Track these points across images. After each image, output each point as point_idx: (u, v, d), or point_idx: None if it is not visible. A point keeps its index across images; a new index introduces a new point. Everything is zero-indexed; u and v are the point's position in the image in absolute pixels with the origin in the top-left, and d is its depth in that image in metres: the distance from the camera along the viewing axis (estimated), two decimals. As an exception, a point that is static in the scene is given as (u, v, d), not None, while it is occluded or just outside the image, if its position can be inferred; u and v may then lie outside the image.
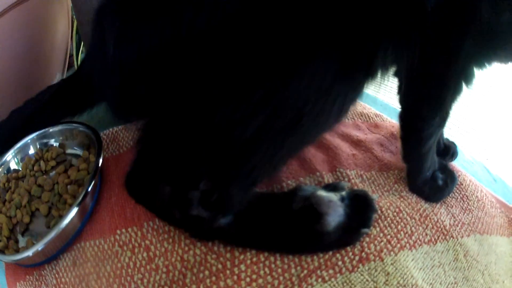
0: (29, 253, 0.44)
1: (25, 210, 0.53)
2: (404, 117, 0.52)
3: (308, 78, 0.36)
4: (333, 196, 0.45)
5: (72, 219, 0.46)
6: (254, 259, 0.43)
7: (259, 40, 0.36)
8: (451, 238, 0.49)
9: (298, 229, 0.44)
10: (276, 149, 0.39)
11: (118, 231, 0.48)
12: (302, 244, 0.44)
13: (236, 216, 0.44)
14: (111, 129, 0.61)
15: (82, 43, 0.83)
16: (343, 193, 0.46)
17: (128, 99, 0.43)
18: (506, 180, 0.68)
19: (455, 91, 0.48)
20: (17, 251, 0.49)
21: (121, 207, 0.50)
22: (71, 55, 0.86)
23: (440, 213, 0.51)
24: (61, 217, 0.50)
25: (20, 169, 0.57)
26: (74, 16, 0.73)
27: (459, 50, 0.44)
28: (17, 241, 0.51)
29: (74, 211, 0.46)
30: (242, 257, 0.43)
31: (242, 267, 0.42)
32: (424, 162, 0.52)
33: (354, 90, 0.40)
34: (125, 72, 0.40)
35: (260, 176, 0.42)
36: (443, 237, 0.49)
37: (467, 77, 0.47)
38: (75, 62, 0.85)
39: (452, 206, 0.53)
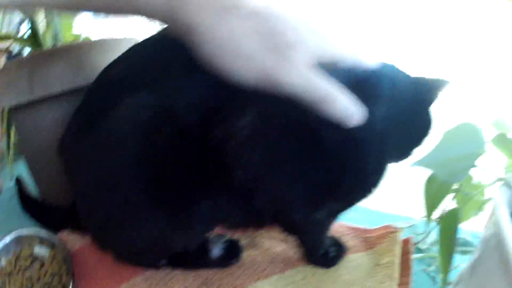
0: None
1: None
2: None
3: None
4: (218, 239, 0.76)
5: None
6: None
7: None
8: (299, 266, 0.73)
9: (197, 257, 0.72)
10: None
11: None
12: (199, 264, 0.73)
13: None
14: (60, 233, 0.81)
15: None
16: (225, 238, 0.76)
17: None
18: (366, 205, 0.79)
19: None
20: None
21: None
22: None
23: (289, 252, 0.76)
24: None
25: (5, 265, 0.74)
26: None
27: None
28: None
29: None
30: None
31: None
32: (316, 251, 0.70)
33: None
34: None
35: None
36: (291, 267, 0.73)
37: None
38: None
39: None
